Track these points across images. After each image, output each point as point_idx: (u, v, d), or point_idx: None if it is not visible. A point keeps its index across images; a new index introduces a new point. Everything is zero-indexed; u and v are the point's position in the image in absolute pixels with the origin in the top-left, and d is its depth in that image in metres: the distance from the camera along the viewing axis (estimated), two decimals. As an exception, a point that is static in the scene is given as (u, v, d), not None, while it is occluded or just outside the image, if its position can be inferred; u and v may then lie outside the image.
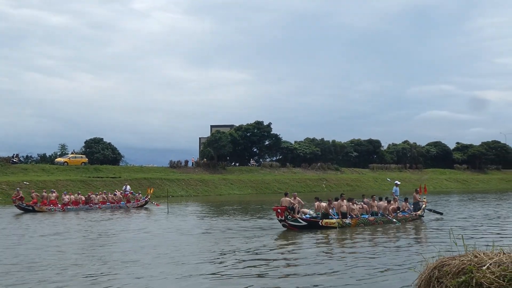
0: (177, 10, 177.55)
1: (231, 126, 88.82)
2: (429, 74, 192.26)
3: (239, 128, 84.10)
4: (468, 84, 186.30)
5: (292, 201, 22.47)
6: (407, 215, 24.69)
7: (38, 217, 29.44)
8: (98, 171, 59.26)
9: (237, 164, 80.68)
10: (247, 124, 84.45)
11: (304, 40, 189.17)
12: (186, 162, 73.09)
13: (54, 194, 35.46)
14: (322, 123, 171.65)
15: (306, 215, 22.00)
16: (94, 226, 24.42)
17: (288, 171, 77.85)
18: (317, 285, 10.78)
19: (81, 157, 63.46)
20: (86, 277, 11.86)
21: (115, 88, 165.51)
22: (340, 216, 21.96)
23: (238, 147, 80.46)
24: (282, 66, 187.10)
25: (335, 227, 21.17)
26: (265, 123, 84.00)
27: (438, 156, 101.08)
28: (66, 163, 59.92)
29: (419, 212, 25.63)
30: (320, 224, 21.24)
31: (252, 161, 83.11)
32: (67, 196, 35.27)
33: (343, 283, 10.97)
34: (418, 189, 27.23)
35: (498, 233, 19.37)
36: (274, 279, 11.45)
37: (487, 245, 5.10)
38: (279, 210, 21.07)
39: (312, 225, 21.12)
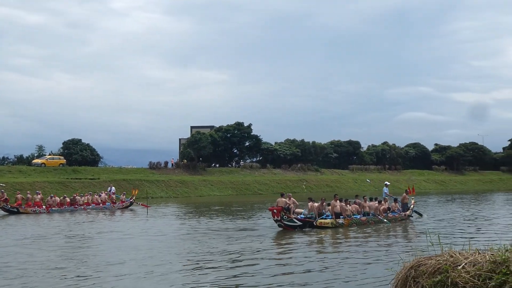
0: (156, 10, 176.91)
1: (211, 127, 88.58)
2: (407, 76, 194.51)
3: (219, 129, 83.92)
4: (445, 86, 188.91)
5: (287, 201, 22.62)
6: (397, 215, 25.13)
7: (23, 218, 29.20)
8: (76, 172, 58.54)
9: (217, 165, 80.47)
10: (227, 125, 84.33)
11: (283, 41, 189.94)
12: (166, 163, 72.68)
13: (39, 196, 35.13)
14: (302, 124, 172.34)
15: (300, 215, 22.24)
16: (74, 228, 24.12)
17: (268, 172, 77.91)
18: (294, 283, 10.78)
19: (59, 158, 62.60)
20: (61, 279, 11.70)
21: (93, 88, 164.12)
22: (333, 216, 22.25)
23: (219, 148, 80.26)
24: (262, 67, 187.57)
25: (329, 227, 21.54)
26: (245, 124, 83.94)
27: (416, 157, 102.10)
28: (43, 165, 59.05)
29: (407, 212, 26.16)
30: (315, 224, 21.60)
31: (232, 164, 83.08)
32: (52, 198, 35.08)
33: (322, 282, 10.99)
34: (408, 190, 27.85)
35: (474, 234, 19.63)
36: (250, 277, 11.43)
37: (463, 245, 5.14)
38: (275, 211, 21.39)
39: (307, 225, 21.50)
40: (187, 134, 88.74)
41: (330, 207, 22.66)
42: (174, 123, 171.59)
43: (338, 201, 22.96)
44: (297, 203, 23.29)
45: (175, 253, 15.74)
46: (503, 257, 4.18)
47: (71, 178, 54.27)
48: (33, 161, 62.86)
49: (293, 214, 21.99)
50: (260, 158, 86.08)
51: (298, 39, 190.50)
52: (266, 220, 25.83)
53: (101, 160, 73.93)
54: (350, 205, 23.40)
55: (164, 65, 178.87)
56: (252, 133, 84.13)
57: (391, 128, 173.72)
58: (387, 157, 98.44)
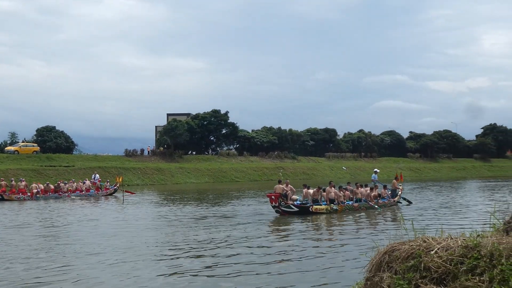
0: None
1: (187, 115, 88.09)
2: (383, 65, 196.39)
3: (196, 116, 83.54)
4: (421, 74, 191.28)
5: (284, 188, 23.22)
6: (386, 201, 25.86)
7: (7, 205, 29.17)
8: (50, 159, 57.75)
9: (194, 152, 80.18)
10: (204, 112, 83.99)
11: (259, 29, 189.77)
12: (142, 150, 72.22)
13: (23, 183, 35.38)
14: (278, 112, 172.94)
15: (296, 202, 22.75)
16: (57, 215, 23.90)
17: (245, 159, 77.96)
18: (271, 272, 10.84)
19: (33, 146, 61.68)
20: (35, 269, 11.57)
21: (67, 75, 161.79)
22: (328, 203, 22.89)
23: (195, 136, 79.94)
24: (238, 55, 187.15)
25: (324, 213, 22.16)
26: (222, 112, 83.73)
27: (392, 145, 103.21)
28: (16, 152, 58.14)
29: (396, 198, 26.84)
30: (311, 210, 22.17)
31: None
32: (35, 185, 35.26)
33: (300, 268, 11.07)
34: (396, 177, 28.60)
35: (448, 220, 19.97)
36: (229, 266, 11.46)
37: (436, 231, 5.21)
38: (273, 197, 22.01)
39: (304, 211, 22.01)
40: (164, 122, 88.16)
41: (325, 193, 23.21)
42: (150, 110, 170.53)
43: (333, 188, 23.60)
44: (294, 189, 23.87)
45: (157, 241, 15.66)
46: (475, 242, 4.23)
47: (45, 166, 53.52)
48: (6, 148, 61.75)
49: (290, 200, 22.56)
50: (237, 145, 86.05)
51: (274, 27, 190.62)
52: (246, 207, 25.94)
53: (76, 147, 73.12)
54: (344, 192, 24.09)
55: (138, 52, 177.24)
56: (228, 121, 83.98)
57: (367, 116, 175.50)
58: (363, 145, 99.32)
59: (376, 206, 24.22)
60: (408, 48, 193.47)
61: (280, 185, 23.41)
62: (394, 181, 28.00)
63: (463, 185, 52.70)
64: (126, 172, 56.27)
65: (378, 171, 30.96)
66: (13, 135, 73.17)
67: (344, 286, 9.12)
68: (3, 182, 34.89)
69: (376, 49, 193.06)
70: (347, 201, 23.93)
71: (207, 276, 10.66)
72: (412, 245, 4.60)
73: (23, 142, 65.10)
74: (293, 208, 22.05)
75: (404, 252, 4.56)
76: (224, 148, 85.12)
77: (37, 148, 61.49)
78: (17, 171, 48.26)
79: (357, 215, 22.15)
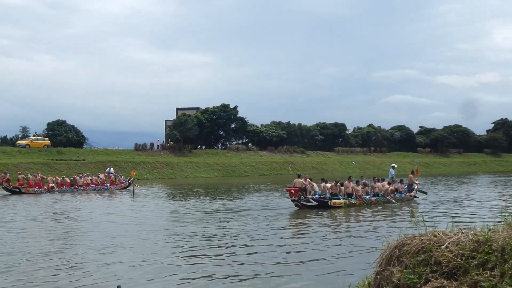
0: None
1: (197, 109, 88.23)
2: (392, 59, 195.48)
3: (205, 111, 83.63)
4: (431, 69, 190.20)
5: (304, 182, 23.42)
6: (403, 195, 26.03)
7: (24, 198, 29.77)
8: (61, 154, 58.15)
9: (203, 147, 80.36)
10: (213, 107, 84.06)
11: (268, 24, 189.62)
12: (152, 145, 72.53)
13: (39, 176, 36.13)
14: (288, 106, 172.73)
15: (315, 196, 23.02)
16: (72, 209, 24.07)
17: (254, 154, 78.01)
18: (280, 263, 10.86)
19: (44, 140, 62.16)
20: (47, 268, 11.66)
21: (75, 70, 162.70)
22: (345, 197, 23.22)
23: (204, 130, 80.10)
24: (247, 49, 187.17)
25: (342, 207, 22.50)
26: (231, 106, 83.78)
27: (402, 140, 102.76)
28: (28, 146, 58.64)
29: (413, 193, 26.94)
30: (329, 204, 22.47)
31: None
32: (51, 178, 36.36)
33: (310, 261, 11.09)
34: (413, 171, 28.80)
35: (459, 214, 19.88)
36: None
37: (447, 225, 5.20)
38: (292, 191, 22.27)
39: (322, 205, 22.34)
40: (173, 116, 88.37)
41: (343, 187, 23.52)
42: (159, 105, 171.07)
43: (351, 182, 23.88)
44: (314, 183, 24.05)
45: (173, 236, 15.74)
46: (486, 236, 4.22)
47: (56, 160, 53.89)
48: (18, 142, 62.33)
49: (309, 194, 22.84)
50: (246, 140, 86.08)
51: (282, 22, 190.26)
52: (259, 202, 26.01)
53: (86, 141, 73.49)
54: (363, 187, 24.50)
55: (148, 47, 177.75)
56: (238, 115, 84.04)
57: (376, 110, 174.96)
58: (373, 140, 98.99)
59: (393, 201, 24.44)
60: (418, 42, 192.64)
61: (300, 179, 23.65)
62: (411, 175, 28.19)
63: (473, 180, 52.39)
64: (136, 166, 56.51)
65: (395, 166, 31.22)
66: (24, 129, 73.87)
67: (354, 280, 9.11)
68: (20, 176, 35.88)
69: (385, 44, 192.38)
70: (365, 195, 24.21)
71: (225, 275, 10.70)
72: (422, 240, 4.60)
73: (34, 136, 65.59)
74: (312, 202, 22.32)
75: (415, 247, 4.56)
76: (233, 143, 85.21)
77: (48, 142, 61.94)
78: (28, 165, 48.63)
79: (375, 209, 22.19)
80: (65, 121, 71.29)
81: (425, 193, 28.42)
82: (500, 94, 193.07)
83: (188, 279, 9.92)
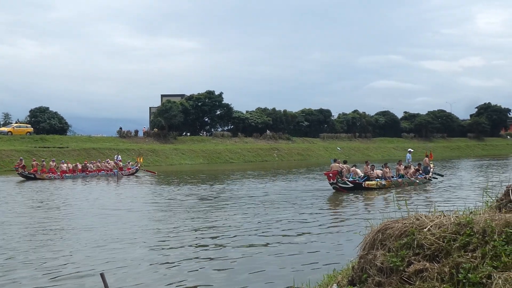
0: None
1: (182, 96, 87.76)
2: (377, 45, 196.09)
3: (190, 97, 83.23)
4: (415, 54, 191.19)
5: (340, 165, 24.58)
6: (422, 177, 27.81)
7: (39, 184, 31.43)
8: (44, 140, 57.58)
9: (188, 134, 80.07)
10: (198, 93, 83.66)
11: (254, 9, 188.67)
12: (136, 131, 72.05)
13: (53, 163, 37.97)
14: (273, 92, 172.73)
15: (350, 178, 24.32)
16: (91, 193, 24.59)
17: (239, 140, 77.95)
18: (261, 252, 10.90)
19: (26, 127, 61.47)
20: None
21: (59, 55, 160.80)
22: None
23: (190, 117, 79.77)
24: (233, 35, 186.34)
25: (375, 188, 23.99)
26: (216, 93, 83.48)
27: (386, 125, 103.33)
28: (10, 133, 57.95)
29: (429, 175, 28.64)
30: (364, 185, 23.93)
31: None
32: (65, 165, 38.30)
33: (300, 249, 11.14)
34: (427, 155, 30.83)
35: (442, 198, 20.09)
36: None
37: (430, 209, 5.22)
38: (331, 175, 23.68)
39: (357, 187, 23.77)
40: (158, 103, 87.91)
41: (379, 171, 25.65)
42: (144, 91, 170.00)
43: (368, 165, 25.63)
44: (349, 166, 25.48)
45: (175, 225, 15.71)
46: (467, 219, 4.25)
47: (39, 147, 53.35)
48: (-1, 129, 61.51)
49: (344, 177, 24.12)
50: (232, 126, 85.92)
51: (269, 7, 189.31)
52: (249, 187, 25.99)
53: (70, 128, 72.73)
54: (389, 170, 26.28)
55: (132, 32, 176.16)
56: (223, 102, 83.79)
57: (361, 96, 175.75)
58: (358, 125, 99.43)
59: (416, 181, 26.45)
60: (403, 27, 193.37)
61: (336, 164, 24.65)
62: (426, 159, 29.74)
63: (457, 164, 52.95)
64: (120, 153, 56.00)
65: (412, 150, 34.31)
66: (6, 115, 72.85)
67: (340, 264, 9.16)
68: (34, 162, 37.78)
69: (371, 29, 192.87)
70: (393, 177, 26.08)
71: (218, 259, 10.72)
72: (405, 223, 4.62)
73: (16, 123, 64.79)
74: (349, 184, 23.64)
75: (397, 230, 4.58)
76: (219, 129, 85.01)
77: (31, 129, 61.28)
78: (10, 152, 48.13)
79: (384, 191, 23.37)
80: (48, 107, 70.46)
81: (442, 175, 30.10)
82: (484, 78, 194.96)
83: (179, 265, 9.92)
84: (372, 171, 25.24)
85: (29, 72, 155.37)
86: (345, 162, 26.17)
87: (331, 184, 23.76)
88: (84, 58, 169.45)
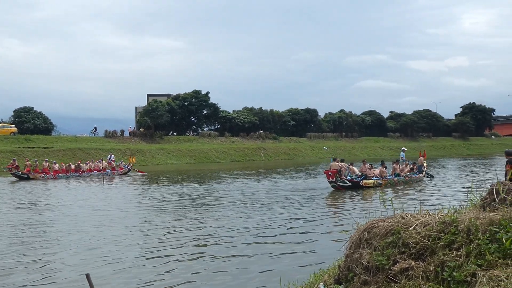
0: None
1: (168, 95, 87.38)
2: (364, 45, 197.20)
3: (177, 97, 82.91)
4: (401, 54, 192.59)
5: (339, 165, 25.00)
6: (417, 176, 28.32)
7: (32, 184, 31.73)
8: (28, 141, 56.97)
9: (175, 133, 79.74)
10: (185, 93, 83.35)
11: (240, 9, 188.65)
12: (122, 131, 71.60)
13: (46, 163, 38.26)
14: (260, 92, 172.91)
15: (347, 177, 24.79)
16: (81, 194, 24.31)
17: (226, 140, 77.84)
18: (244, 253, 10.90)
19: (10, 127, 60.69)
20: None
21: (44, 54, 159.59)
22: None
23: (176, 117, 79.47)
24: (219, 35, 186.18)
25: (371, 187, 24.40)
26: (203, 92, 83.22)
27: (372, 125, 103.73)
28: (-7, 133, 57.24)
29: (423, 174, 29.22)
30: (361, 184, 24.39)
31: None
32: (57, 165, 38.82)
33: (289, 248, 11.16)
34: (420, 154, 31.36)
35: (427, 197, 20.24)
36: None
37: (415, 208, 5.26)
38: (330, 173, 24.07)
39: (355, 185, 24.21)
40: (144, 103, 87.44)
41: (375, 170, 26.11)
42: (130, 91, 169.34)
43: (367, 164, 26.09)
44: (347, 165, 25.91)
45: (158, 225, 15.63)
46: (452, 217, 4.29)
47: (23, 147, 52.79)
48: (-18, 129, 60.71)
49: (343, 176, 24.53)
50: (218, 126, 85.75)
51: (256, 6, 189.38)
52: (235, 186, 25.96)
53: (55, 128, 72.04)
54: (386, 168, 26.71)
55: (118, 31, 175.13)
56: (209, 101, 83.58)
57: (348, 96, 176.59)
58: (344, 125, 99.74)
59: (413, 176, 27.33)
60: (389, 27, 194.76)
61: (335, 162, 25.01)
62: (421, 158, 30.35)
63: (442, 163, 53.34)
64: (106, 153, 55.66)
65: (405, 149, 34.96)
66: (-11, 116, 71.92)
67: (327, 264, 9.19)
68: (28, 163, 38.23)
69: (357, 29, 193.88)
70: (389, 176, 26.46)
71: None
72: (391, 222, 4.65)
73: (0, 123, 64.09)
74: (347, 183, 24.10)
75: (383, 229, 4.61)
76: (205, 129, 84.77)
77: (15, 129, 60.52)
78: (-6, 153, 47.55)
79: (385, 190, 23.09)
80: (32, 107, 69.74)
81: (432, 176, 30.39)
82: (469, 78, 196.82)
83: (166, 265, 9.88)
84: (371, 170, 25.71)
85: (14, 72, 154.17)
86: (342, 161, 26.45)
87: (330, 182, 24.15)
88: (69, 58, 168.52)
